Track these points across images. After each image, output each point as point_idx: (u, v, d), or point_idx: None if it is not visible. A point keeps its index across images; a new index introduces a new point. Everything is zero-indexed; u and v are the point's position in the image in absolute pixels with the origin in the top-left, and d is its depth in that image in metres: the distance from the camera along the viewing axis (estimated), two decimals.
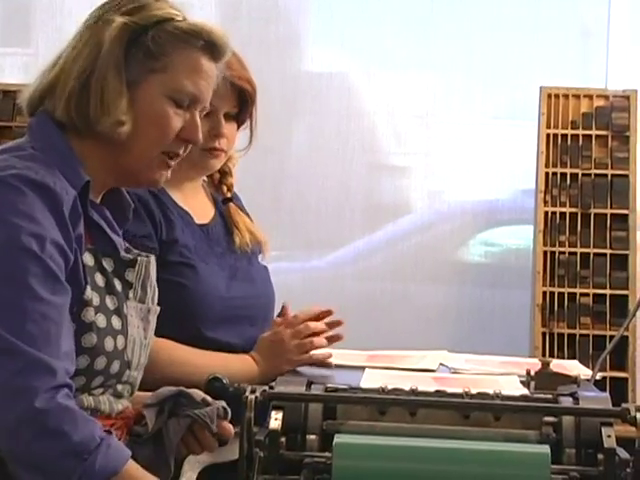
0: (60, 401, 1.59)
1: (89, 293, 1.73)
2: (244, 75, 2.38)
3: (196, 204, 2.44)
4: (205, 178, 2.51)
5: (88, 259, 1.76)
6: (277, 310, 2.51)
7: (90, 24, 1.81)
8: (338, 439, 1.79)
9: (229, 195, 2.51)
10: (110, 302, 1.78)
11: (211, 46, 1.83)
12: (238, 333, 2.34)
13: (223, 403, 1.94)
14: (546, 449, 1.79)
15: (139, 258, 1.87)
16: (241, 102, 2.40)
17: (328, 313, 2.41)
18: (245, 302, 2.39)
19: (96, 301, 1.75)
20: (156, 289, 1.94)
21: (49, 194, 1.68)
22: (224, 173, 2.51)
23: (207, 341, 2.28)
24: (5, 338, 1.58)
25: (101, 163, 1.81)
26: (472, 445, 1.81)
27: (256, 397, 1.86)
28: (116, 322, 1.78)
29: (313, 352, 2.34)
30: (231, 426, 1.92)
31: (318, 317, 2.40)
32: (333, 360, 2.43)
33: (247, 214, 2.58)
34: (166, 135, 1.81)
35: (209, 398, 1.95)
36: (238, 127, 2.45)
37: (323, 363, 2.35)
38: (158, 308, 1.95)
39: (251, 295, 2.42)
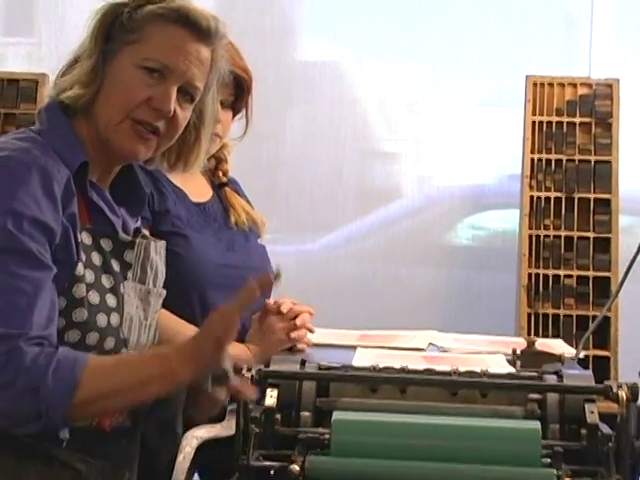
0: (2, 358, 1.58)
1: (80, 270, 1.72)
2: (241, 64, 2.38)
3: (194, 186, 2.45)
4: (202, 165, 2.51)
5: (85, 238, 1.76)
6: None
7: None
8: (336, 416, 1.79)
9: (224, 180, 2.51)
10: (106, 280, 1.78)
11: (191, 23, 1.80)
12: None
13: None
14: (537, 425, 1.79)
15: (138, 240, 1.87)
16: (237, 91, 2.40)
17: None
18: (242, 272, 2.38)
19: (90, 278, 1.74)
20: (160, 272, 1.93)
21: (39, 172, 1.68)
22: (219, 160, 2.52)
23: (206, 307, 2.26)
24: None
25: (91, 141, 1.81)
26: (467, 422, 1.81)
27: (252, 375, 1.86)
28: (111, 300, 1.77)
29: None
30: (241, 384, 1.92)
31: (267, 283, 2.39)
32: (326, 340, 2.43)
33: (247, 200, 2.59)
34: (127, 99, 1.77)
35: None
36: (234, 115, 2.44)
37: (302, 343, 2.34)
38: (163, 291, 1.94)
39: (248, 266, 2.42)
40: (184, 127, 1.85)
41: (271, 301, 2.39)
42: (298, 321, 2.32)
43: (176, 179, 2.38)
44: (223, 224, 2.45)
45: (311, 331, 2.36)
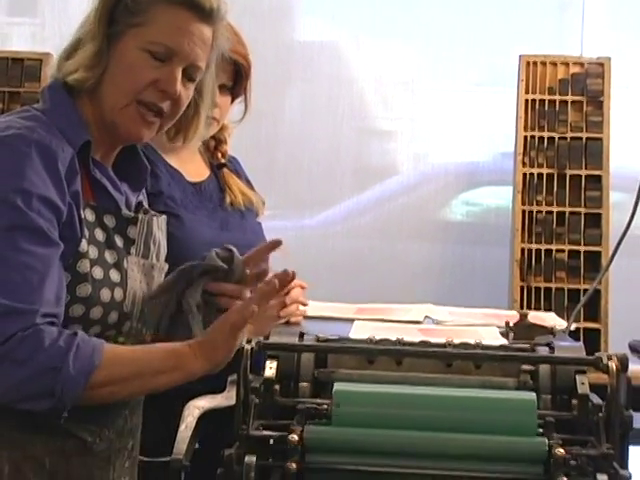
0: (19, 334, 1.59)
1: (84, 246, 1.72)
2: (240, 51, 2.37)
3: (192, 167, 2.45)
4: (201, 145, 2.51)
5: (89, 215, 1.76)
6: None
7: None
8: (338, 387, 1.79)
9: (223, 161, 2.51)
10: (109, 256, 1.78)
11: (194, 5, 1.79)
12: None
13: (227, 245, 1.96)
14: (532, 396, 1.79)
15: (140, 216, 1.87)
16: (236, 76, 2.40)
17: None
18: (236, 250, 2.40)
19: (93, 254, 1.74)
20: (162, 247, 1.94)
21: (44, 151, 1.68)
22: (219, 141, 2.52)
23: None
24: None
25: (95, 121, 1.81)
26: (465, 393, 1.82)
27: (252, 347, 1.86)
28: (115, 275, 1.78)
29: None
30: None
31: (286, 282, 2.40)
32: (324, 313, 2.43)
33: (247, 179, 2.59)
34: (134, 82, 1.77)
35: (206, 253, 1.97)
36: (233, 99, 2.44)
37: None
38: (166, 265, 1.94)
39: (242, 244, 2.41)
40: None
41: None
42: (287, 299, 2.31)
43: (172, 160, 2.38)
44: (218, 204, 2.45)
45: (304, 304, 2.36)
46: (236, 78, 2.40)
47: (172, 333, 1.89)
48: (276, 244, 2.11)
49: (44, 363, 1.60)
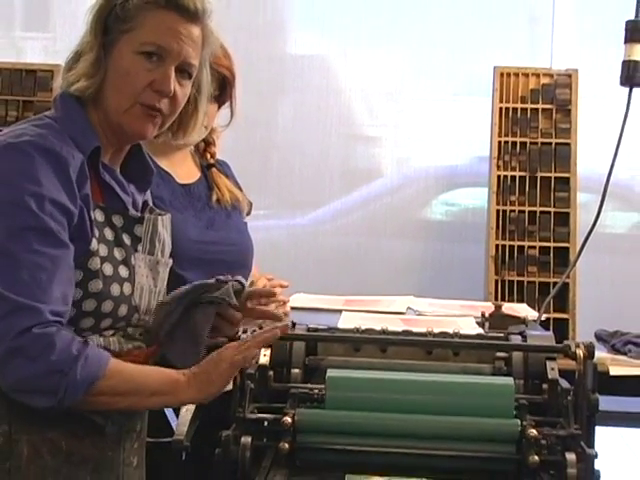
0: (35, 331, 1.58)
1: (95, 245, 1.71)
2: (225, 63, 2.39)
3: (183, 169, 2.46)
4: (192, 148, 2.52)
5: (98, 215, 1.75)
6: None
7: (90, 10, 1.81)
8: (330, 373, 1.79)
9: (212, 162, 2.52)
10: (118, 253, 1.77)
11: (179, 6, 1.77)
12: (210, 275, 2.33)
13: (239, 277, 1.94)
14: (510, 381, 1.79)
15: (146, 215, 1.86)
16: (221, 85, 2.41)
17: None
18: (219, 248, 2.40)
19: (103, 252, 1.74)
20: (167, 244, 1.93)
21: (56, 158, 1.67)
22: (208, 143, 2.53)
23: (180, 279, 2.26)
24: None
25: (102, 126, 1.80)
26: (449, 378, 1.82)
27: (247, 336, 1.86)
28: (123, 271, 1.77)
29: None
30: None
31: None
32: (314, 304, 2.44)
33: (236, 181, 2.58)
34: (133, 86, 1.75)
35: (222, 277, 1.95)
36: (219, 107, 2.46)
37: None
38: (170, 261, 1.94)
39: (226, 242, 2.43)
40: (186, 100, 1.84)
41: (252, 275, 2.41)
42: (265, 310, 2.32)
43: (163, 162, 2.38)
44: (206, 204, 2.45)
45: (284, 302, 2.36)
46: (221, 87, 2.41)
47: (170, 340, 1.88)
48: (274, 298, 2.14)
49: (54, 364, 1.59)
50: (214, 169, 2.51)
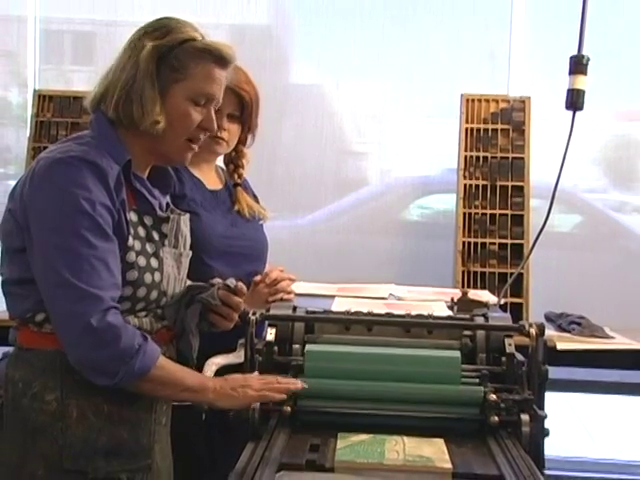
0: (108, 320, 1.59)
1: (131, 241, 1.73)
2: (246, 88, 2.36)
3: (210, 177, 2.45)
4: (224, 168, 2.51)
5: (133, 216, 1.75)
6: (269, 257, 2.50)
7: (130, 46, 1.78)
8: (308, 347, 1.79)
9: (239, 182, 2.51)
10: (149, 248, 1.78)
11: (221, 58, 1.78)
12: (233, 265, 2.33)
13: (228, 281, 1.93)
14: (457, 354, 1.79)
15: (171, 215, 1.87)
16: (242, 106, 2.39)
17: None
18: (241, 242, 2.39)
19: (138, 247, 1.74)
20: (187, 238, 1.93)
21: (98, 169, 1.67)
22: (237, 166, 2.52)
23: (209, 269, 2.25)
24: (66, 277, 1.58)
25: (142, 148, 1.80)
26: (405, 351, 1.82)
27: (256, 317, 1.85)
28: (154, 262, 1.77)
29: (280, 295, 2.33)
30: (243, 287, 1.91)
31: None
32: (312, 291, 2.43)
33: (253, 193, 2.58)
34: (189, 127, 1.78)
35: (215, 280, 1.95)
36: (243, 127, 2.42)
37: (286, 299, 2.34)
38: (190, 252, 1.94)
39: (246, 238, 2.42)
40: None
41: (267, 268, 2.40)
42: (273, 296, 2.30)
43: (195, 171, 2.38)
44: (229, 207, 2.45)
45: (290, 293, 2.35)
46: (241, 109, 2.39)
47: (182, 330, 1.89)
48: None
49: (120, 353, 1.60)
50: (239, 188, 2.51)
